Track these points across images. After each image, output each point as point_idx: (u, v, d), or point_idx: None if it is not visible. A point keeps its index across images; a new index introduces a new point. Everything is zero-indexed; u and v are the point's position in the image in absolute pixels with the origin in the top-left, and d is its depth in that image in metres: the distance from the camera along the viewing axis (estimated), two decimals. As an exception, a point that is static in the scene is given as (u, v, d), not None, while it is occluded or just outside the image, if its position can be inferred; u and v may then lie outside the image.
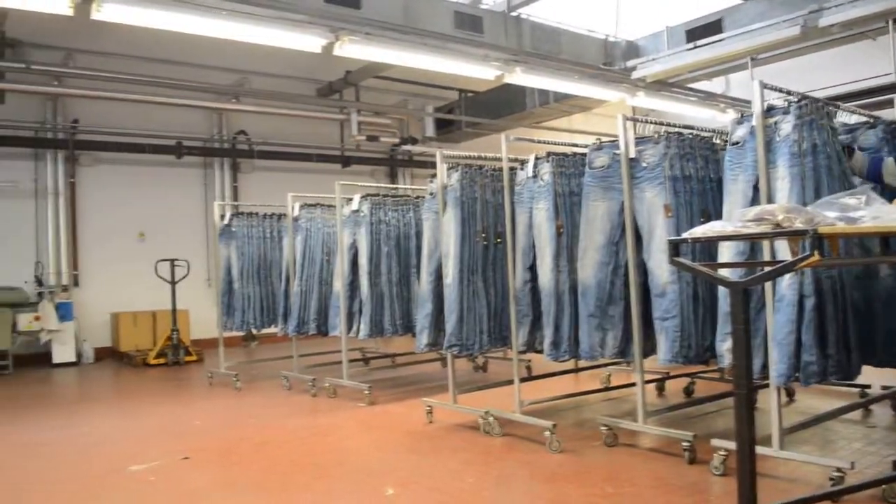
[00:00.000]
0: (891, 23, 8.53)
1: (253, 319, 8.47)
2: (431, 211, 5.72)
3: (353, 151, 13.16)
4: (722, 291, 4.12)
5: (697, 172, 4.67)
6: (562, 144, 5.56)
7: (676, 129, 4.74)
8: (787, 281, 3.68)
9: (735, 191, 4.09)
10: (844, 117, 4.63)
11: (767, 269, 3.14)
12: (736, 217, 2.90)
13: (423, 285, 5.84)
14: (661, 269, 4.44)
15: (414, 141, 13.21)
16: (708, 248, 4.28)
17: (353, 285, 7.05)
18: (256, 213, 8.61)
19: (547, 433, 4.66)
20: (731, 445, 3.82)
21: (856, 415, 5.18)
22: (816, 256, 2.53)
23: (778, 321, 3.73)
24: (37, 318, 9.85)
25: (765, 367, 3.94)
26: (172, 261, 10.00)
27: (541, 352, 5.21)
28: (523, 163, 5.35)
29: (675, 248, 2.97)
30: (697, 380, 6.32)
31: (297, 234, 7.70)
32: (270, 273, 8.53)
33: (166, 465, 4.70)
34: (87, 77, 10.02)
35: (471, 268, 5.38)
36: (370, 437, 5.36)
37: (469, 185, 5.43)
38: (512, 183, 5.29)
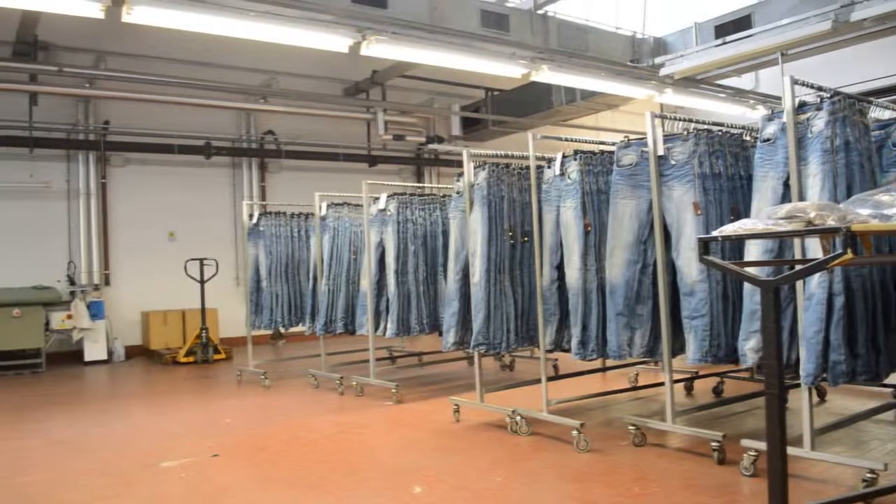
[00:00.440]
0: (925, 17, 8.37)
1: (281, 318, 8.53)
2: (458, 210, 5.73)
3: (380, 151, 13.20)
4: (748, 290, 4.08)
5: (727, 170, 4.63)
6: (589, 142, 5.53)
7: (705, 126, 4.69)
8: (816, 279, 3.63)
9: (765, 188, 4.04)
10: (877, 113, 4.55)
11: (798, 267, 3.10)
12: (767, 214, 2.86)
13: (450, 284, 5.84)
14: (689, 267, 4.40)
15: (440, 140, 13.21)
16: (738, 246, 4.24)
17: (380, 284, 7.08)
18: (284, 213, 8.67)
19: (574, 432, 4.64)
20: (762, 446, 3.79)
21: (889, 415, 5.11)
22: (849, 254, 2.49)
23: (806, 320, 3.68)
24: (69, 317, 10.00)
25: (788, 365, 3.90)
26: (201, 260, 10.09)
27: (568, 351, 5.20)
28: (550, 161, 5.33)
29: (704, 246, 2.94)
30: (727, 379, 6.26)
31: (324, 234, 7.74)
32: (298, 272, 8.59)
33: (197, 462, 4.76)
34: (117, 79, 10.17)
35: (498, 266, 5.37)
36: (397, 436, 5.37)
37: (496, 183, 5.42)
38: (539, 181, 5.27)
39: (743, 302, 4.18)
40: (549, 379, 5.22)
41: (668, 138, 4.60)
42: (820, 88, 3.93)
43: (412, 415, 6.05)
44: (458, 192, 5.75)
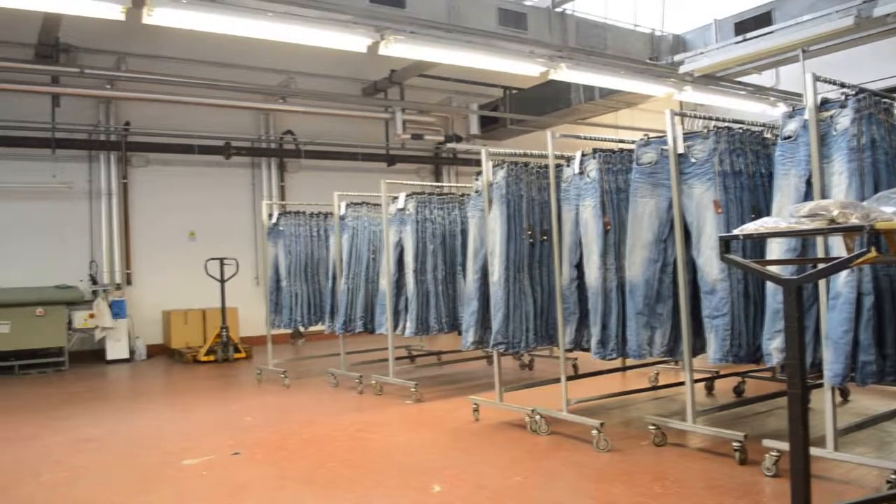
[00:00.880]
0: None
1: (300, 317, 8.56)
2: (477, 209, 5.72)
3: (398, 150, 13.22)
4: (771, 288, 4.05)
5: (747, 168, 4.59)
6: (608, 141, 5.51)
7: (726, 124, 4.66)
8: (843, 278, 3.60)
9: (787, 186, 4.01)
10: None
11: (821, 265, 3.07)
12: (789, 213, 2.84)
13: (469, 283, 5.84)
14: (710, 266, 4.37)
15: (458, 139, 13.20)
16: (759, 244, 4.21)
17: (399, 283, 7.09)
18: (303, 212, 8.71)
19: (594, 432, 4.63)
20: (784, 446, 3.76)
21: (914, 415, 5.04)
22: (873, 253, 2.47)
23: (833, 320, 3.64)
24: (91, 316, 10.11)
25: (814, 365, 3.86)
26: (222, 259, 10.17)
27: (587, 350, 5.18)
28: (569, 159, 5.31)
29: (726, 244, 2.92)
30: (748, 379, 6.21)
31: (343, 233, 7.77)
32: (317, 271, 8.62)
33: (218, 460, 4.79)
34: (138, 80, 10.26)
35: (517, 265, 5.37)
36: (416, 434, 5.38)
37: (514, 182, 5.41)
38: (558, 180, 5.26)
39: (765, 301, 4.15)
40: (569, 378, 5.20)
41: (688, 136, 4.57)
42: (843, 85, 3.89)
43: (431, 414, 6.06)
44: (476, 191, 5.75)
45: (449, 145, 13.25)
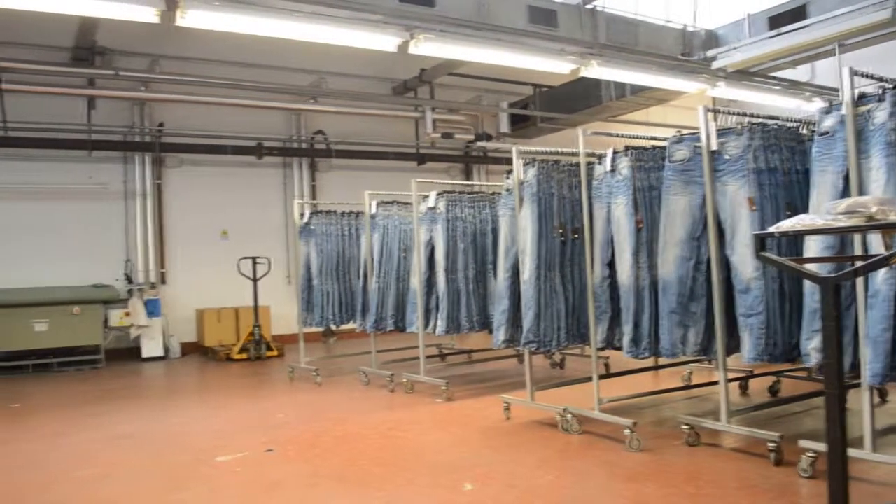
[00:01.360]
0: None
1: (332, 315, 8.60)
2: (507, 207, 5.71)
3: (428, 149, 13.23)
4: (809, 287, 3.99)
5: (783, 164, 4.52)
6: (640, 138, 5.46)
7: (760, 120, 4.59)
8: (882, 276, 3.53)
9: (823, 182, 3.95)
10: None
11: (859, 263, 3.01)
12: (826, 210, 2.79)
13: (500, 282, 5.83)
14: (745, 264, 4.32)
15: (488, 137, 13.18)
16: (794, 242, 4.15)
17: (430, 282, 7.10)
18: (334, 211, 8.75)
19: (626, 431, 4.59)
20: (820, 447, 3.70)
21: (955, 416, 4.94)
22: (913, 250, 2.42)
23: (872, 318, 3.58)
24: (127, 315, 10.27)
25: (854, 365, 3.80)
26: (254, 258, 10.27)
27: (619, 349, 5.14)
28: (600, 157, 5.28)
29: (761, 242, 2.88)
30: (783, 378, 6.12)
31: (374, 232, 7.79)
32: (348, 270, 8.65)
33: (251, 457, 4.84)
34: (171, 82, 10.40)
35: (548, 264, 5.34)
36: (448, 433, 5.38)
37: (545, 180, 5.39)
38: (589, 178, 5.23)
39: (802, 300, 4.09)
40: (601, 377, 5.17)
41: (722, 132, 4.52)
42: (880, 79, 3.81)
43: (462, 412, 6.06)
44: (507, 190, 5.73)
45: (479, 144, 13.23)
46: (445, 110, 12.58)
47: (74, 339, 9.76)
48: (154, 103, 11.11)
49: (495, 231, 6.67)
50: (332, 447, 5.05)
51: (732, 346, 4.55)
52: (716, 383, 4.71)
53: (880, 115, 3.67)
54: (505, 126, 13.42)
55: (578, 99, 12.13)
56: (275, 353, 10.31)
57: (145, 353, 10.47)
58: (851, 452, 3.16)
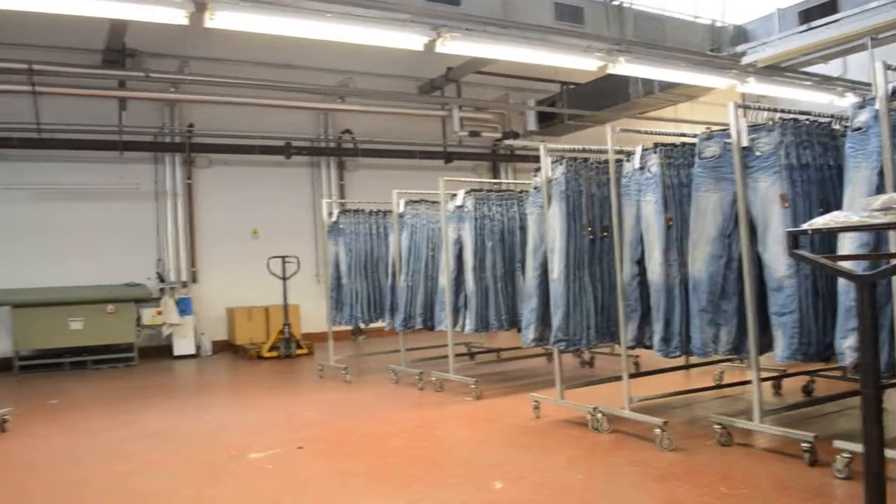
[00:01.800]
0: None
1: (361, 314, 8.64)
2: (536, 205, 5.70)
3: (456, 147, 13.23)
4: (843, 285, 3.93)
5: (815, 160, 4.47)
6: (669, 135, 5.43)
7: (792, 116, 4.54)
8: (918, 274, 3.47)
9: (858, 179, 3.89)
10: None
11: (895, 261, 2.97)
12: (861, 206, 2.75)
13: (529, 280, 5.82)
14: (777, 262, 4.27)
15: (516, 135, 13.15)
16: (828, 239, 4.09)
17: (459, 280, 7.10)
18: (363, 210, 8.80)
19: (657, 431, 4.57)
20: (856, 447, 3.65)
21: None
22: (952, 248, 2.38)
23: (908, 316, 3.52)
24: (159, 313, 10.42)
25: (890, 365, 3.74)
26: (283, 257, 10.35)
27: (650, 347, 5.11)
28: (629, 154, 5.25)
29: (794, 239, 2.85)
30: (817, 378, 6.04)
31: (402, 230, 7.81)
32: (377, 268, 8.69)
33: (282, 454, 4.88)
34: (200, 83, 10.51)
35: (577, 262, 5.33)
36: (477, 431, 5.39)
37: (574, 178, 5.37)
38: (618, 175, 5.20)
39: (837, 298, 4.03)
40: (631, 376, 5.14)
41: (753, 129, 4.47)
42: (916, 73, 3.75)
43: (492, 411, 6.06)
44: (535, 188, 5.72)
45: (506, 142, 13.21)
46: (472, 109, 12.58)
47: (109, 337, 9.92)
48: (184, 104, 11.24)
49: (523, 229, 6.67)
50: (362, 445, 5.08)
51: (765, 344, 4.50)
52: (748, 382, 4.67)
53: (916, 109, 3.61)
54: (532, 124, 13.38)
55: (606, 96, 12.05)
56: (304, 351, 10.39)
57: (177, 352, 10.61)
58: (888, 453, 3.12)
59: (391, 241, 8.15)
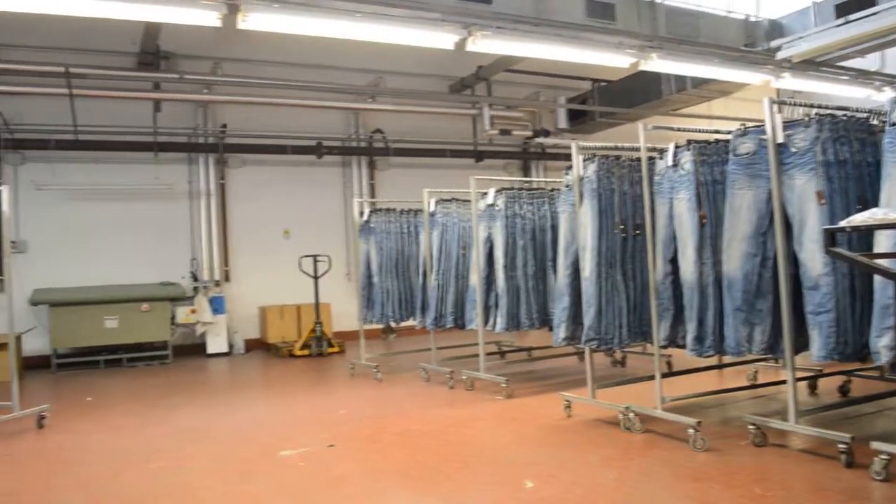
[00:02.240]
0: None
1: (391, 312, 8.66)
2: (567, 203, 5.67)
3: (486, 146, 13.21)
4: (879, 283, 3.85)
5: (853, 156, 4.38)
6: (702, 132, 5.37)
7: (828, 111, 4.46)
8: (958, 271, 3.40)
9: (896, 175, 3.81)
10: None
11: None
12: (900, 204, 2.70)
13: (560, 279, 5.79)
14: (813, 260, 4.20)
15: (546, 133, 13.10)
16: (865, 237, 4.02)
17: (489, 279, 7.09)
18: (394, 209, 8.82)
19: (691, 430, 4.52)
20: (894, 449, 3.59)
21: None
22: None
23: (949, 315, 3.45)
24: (193, 312, 10.53)
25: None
26: (315, 256, 10.42)
27: (682, 347, 5.06)
28: (662, 152, 5.20)
29: (830, 237, 2.81)
30: (854, 378, 5.93)
31: (433, 229, 7.82)
32: (408, 267, 8.70)
33: (314, 452, 4.91)
34: (233, 84, 10.62)
35: (609, 260, 5.30)
36: (508, 430, 5.38)
37: (606, 176, 5.34)
38: (650, 173, 5.15)
39: (874, 296, 3.95)
40: (663, 375, 5.09)
41: (788, 125, 4.40)
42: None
43: (523, 410, 6.04)
44: (567, 186, 5.69)
45: (537, 140, 13.16)
46: (503, 107, 12.55)
47: (143, 335, 10.06)
48: (217, 105, 11.36)
49: (555, 228, 6.64)
50: (393, 443, 5.10)
51: (800, 344, 4.43)
52: (783, 382, 4.60)
53: (958, 104, 3.53)
54: (563, 122, 13.32)
55: (638, 93, 11.95)
56: (336, 349, 10.44)
57: (210, 350, 10.72)
58: (928, 454, 3.06)
59: (422, 239, 8.16)
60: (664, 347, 5.20)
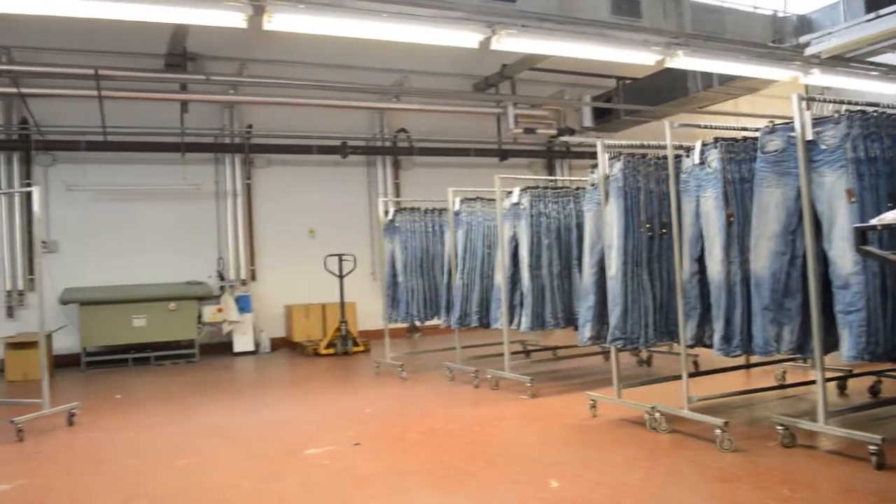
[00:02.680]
0: None
1: (416, 311, 8.67)
2: (593, 202, 5.65)
3: (511, 144, 13.17)
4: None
5: (884, 153, 4.31)
6: (729, 129, 5.31)
7: (859, 108, 4.39)
8: None
9: (930, 172, 3.75)
10: None
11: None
12: (933, 201, 2.66)
13: (586, 278, 5.77)
14: (843, 258, 4.14)
15: (571, 132, 13.03)
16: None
17: (514, 278, 7.08)
18: (418, 209, 8.83)
19: (717, 431, 4.48)
20: (928, 450, 3.53)
21: None
22: None
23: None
24: (219, 310, 10.63)
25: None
26: (340, 256, 10.46)
27: (709, 346, 5.01)
28: (688, 150, 5.15)
29: (861, 235, 2.76)
30: (885, 378, 5.85)
31: (458, 228, 7.82)
32: (433, 266, 8.71)
33: (339, 450, 4.93)
34: (259, 84, 10.71)
35: (635, 259, 5.26)
36: (533, 429, 5.37)
37: (632, 174, 5.30)
38: (677, 171, 5.11)
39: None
40: (690, 375, 5.05)
41: (817, 122, 4.34)
42: None
43: (548, 409, 6.03)
44: (592, 185, 5.67)
45: (562, 138, 13.10)
46: (527, 105, 12.51)
47: (171, 334, 10.18)
48: (243, 106, 11.45)
49: (580, 226, 6.61)
50: (418, 442, 5.11)
51: (830, 343, 4.37)
52: (812, 383, 4.55)
53: None
54: (588, 120, 13.25)
55: (663, 91, 11.85)
56: (361, 348, 10.48)
57: (237, 348, 10.81)
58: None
59: (447, 238, 8.17)
60: (691, 347, 5.15)
